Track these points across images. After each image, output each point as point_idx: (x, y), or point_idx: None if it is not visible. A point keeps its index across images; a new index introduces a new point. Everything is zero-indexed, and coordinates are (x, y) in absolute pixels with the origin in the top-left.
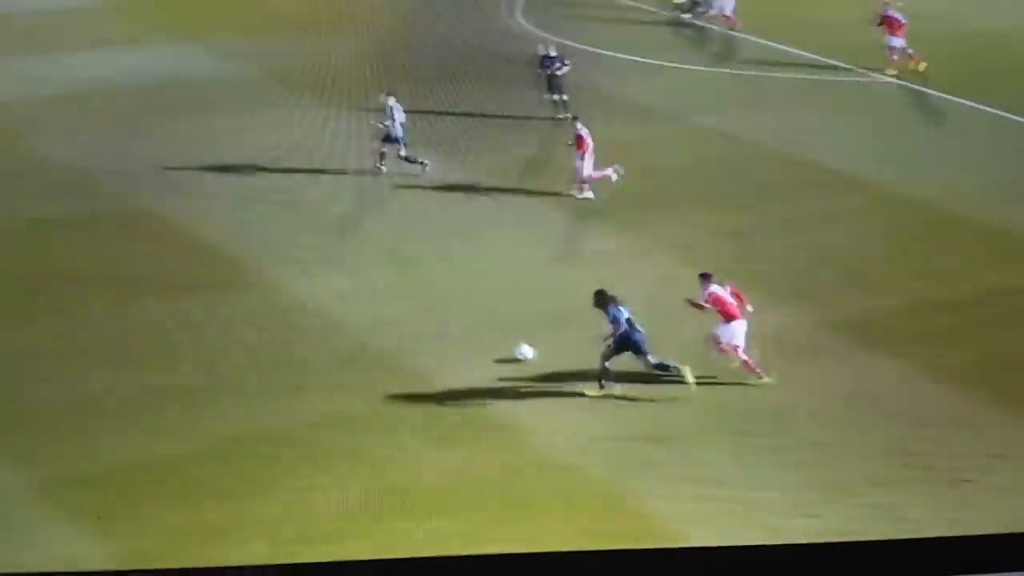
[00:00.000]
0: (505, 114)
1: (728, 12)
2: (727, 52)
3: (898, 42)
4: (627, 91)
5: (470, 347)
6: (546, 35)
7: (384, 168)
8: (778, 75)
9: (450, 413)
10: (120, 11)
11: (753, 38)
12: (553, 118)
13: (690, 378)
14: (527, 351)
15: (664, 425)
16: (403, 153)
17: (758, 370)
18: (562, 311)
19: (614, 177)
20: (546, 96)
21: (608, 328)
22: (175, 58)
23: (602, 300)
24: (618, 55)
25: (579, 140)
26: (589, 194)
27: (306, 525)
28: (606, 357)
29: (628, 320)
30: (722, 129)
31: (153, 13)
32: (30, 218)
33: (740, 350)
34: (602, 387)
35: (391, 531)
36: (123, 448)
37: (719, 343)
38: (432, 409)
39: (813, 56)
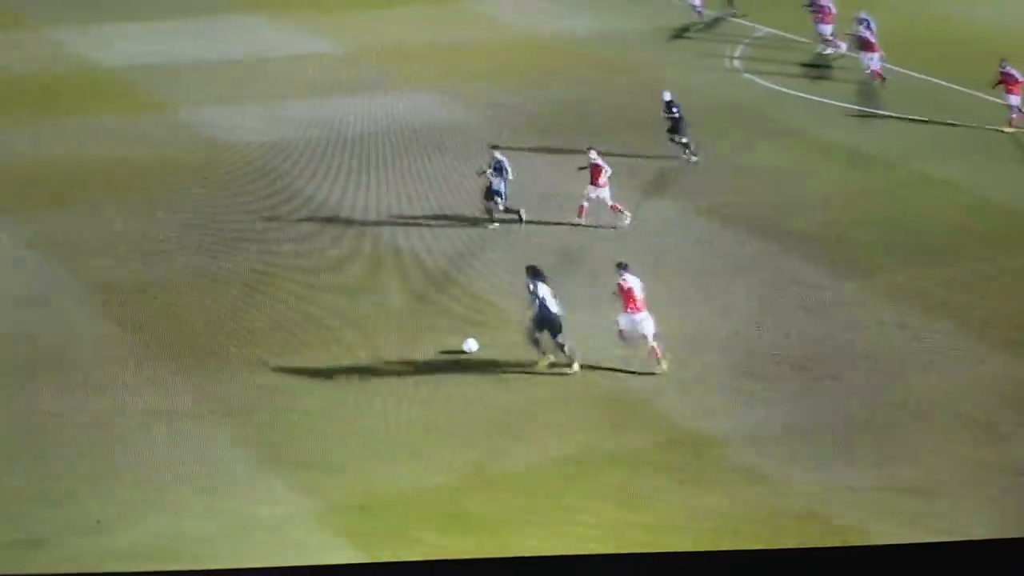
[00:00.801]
0: (735, 159)
1: (875, 67)
2: (940, 104)
3: (1014, 100)
4: (844, 138)
5: (717, 393)
6: (761, 81)
7: (495, 225)
8: (991, 129)
9: (704, 457)
10: (368, 58)
11: (967, 90)
12: (679, 157)
13: (576, 367)
14: (472, 344)
15: (924, 478)
16: (502, 206)
17: (659, 357)
18: (810, 358)
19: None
20: (672, 139)
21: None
22: (419, 103)
23: (533, 275)
24: (833, 102)
25: (595, 169)
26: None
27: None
28: (530, 333)
29: (542, 300)
30: (940, 178)
31: (398, 61)
32: (274, 260)
33: (649, 338)
34: (544, 355)
35: None
36: (398, 478)
37: (620, 331)
38: (684, 451)
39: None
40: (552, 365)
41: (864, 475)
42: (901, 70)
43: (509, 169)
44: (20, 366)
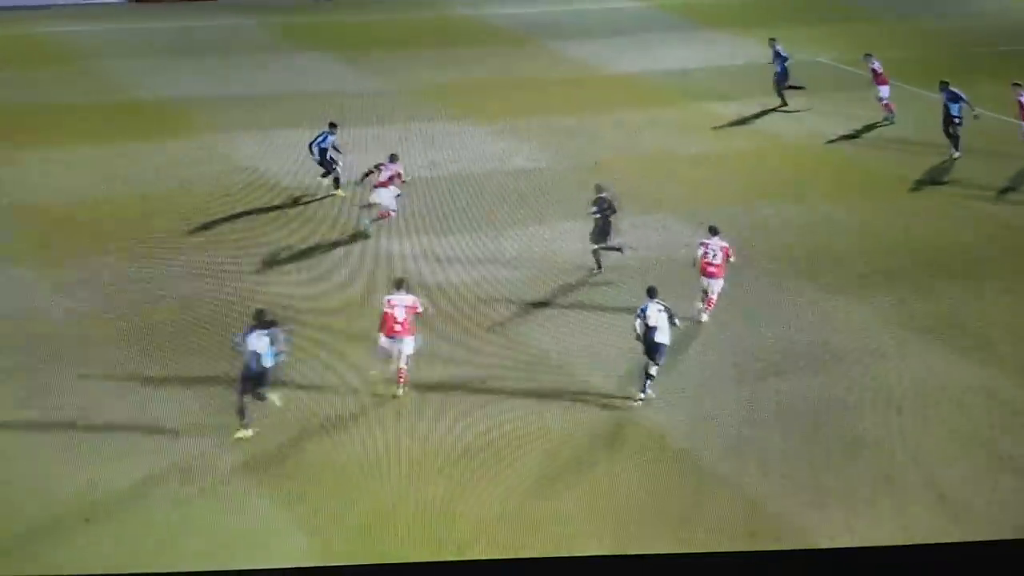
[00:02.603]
0: None
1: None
2: None
3: None
4: None
5: None
6: None
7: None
8: None
9: None
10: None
11: None
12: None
13: (278, 403)
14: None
15: None
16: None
17: (400, 382)
18: None
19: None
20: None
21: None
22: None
23: (261, 319)
24: None
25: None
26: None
27: None
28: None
29: (256, 356)
30: None
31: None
32: None
33: (401, 361)
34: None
35: None
36: None
37: (380, 347)
38: None
39: None
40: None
41: None
42: None
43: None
44: None
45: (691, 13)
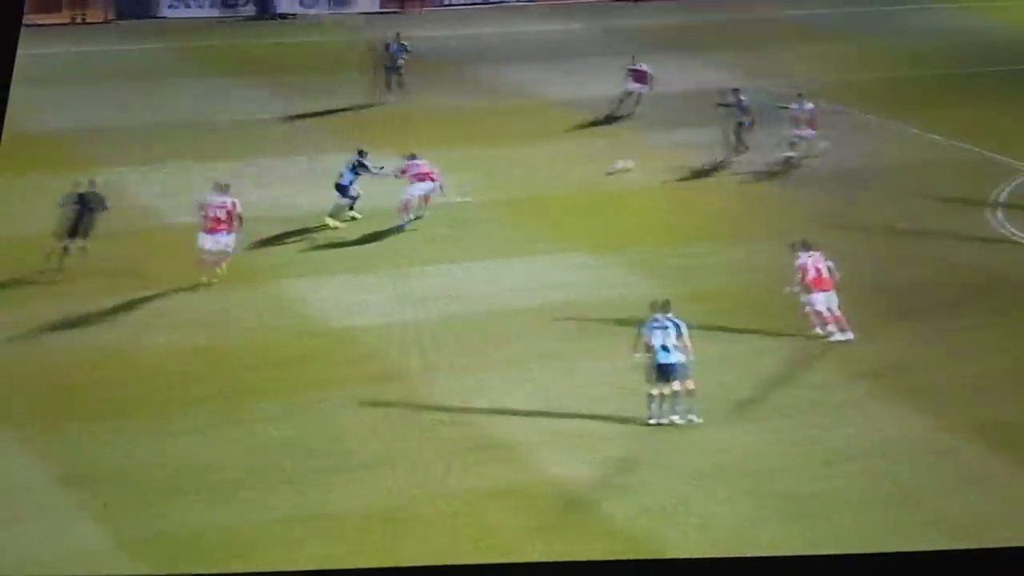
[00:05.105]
0: None
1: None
2: None
3: None
4: None
5: None
6: None
7: None
8: None
9: None
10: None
11: None
12: None
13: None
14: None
15: None
16: None
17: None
18: None
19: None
20: None
21: None
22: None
23: None
24: None
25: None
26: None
27: None
28: None
29: None
30: None
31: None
32: None
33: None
34: None
35: None
36: None
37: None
38: None
39: None
40: None
41: None
42: None
43: None
44: None
45: (635, 34)
